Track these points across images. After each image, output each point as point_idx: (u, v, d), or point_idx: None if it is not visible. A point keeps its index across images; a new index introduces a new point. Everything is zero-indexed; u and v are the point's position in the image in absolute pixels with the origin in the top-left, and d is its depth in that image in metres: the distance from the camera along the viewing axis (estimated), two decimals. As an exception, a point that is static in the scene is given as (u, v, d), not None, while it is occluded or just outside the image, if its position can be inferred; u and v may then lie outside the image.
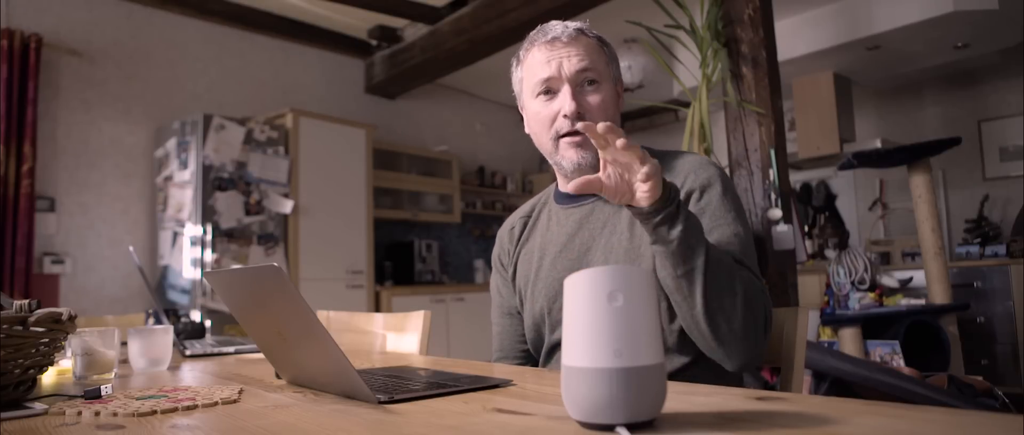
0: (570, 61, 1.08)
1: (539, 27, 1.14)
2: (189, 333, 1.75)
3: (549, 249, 1.18)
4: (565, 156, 1.10)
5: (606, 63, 1.13)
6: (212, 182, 3.71)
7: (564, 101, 1.07)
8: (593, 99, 1.09)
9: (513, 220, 1.31)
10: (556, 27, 1.11)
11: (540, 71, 1.09)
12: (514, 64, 1.19)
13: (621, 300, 0.57)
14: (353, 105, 5.13)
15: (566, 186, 1.19)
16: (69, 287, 3.63)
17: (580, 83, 1.09)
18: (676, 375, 1.02)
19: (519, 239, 1.27)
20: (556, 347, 1.16)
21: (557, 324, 1.14)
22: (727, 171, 2.89)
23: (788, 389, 1.09)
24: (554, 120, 1.10)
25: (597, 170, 1.04)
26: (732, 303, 0.93)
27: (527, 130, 1.19)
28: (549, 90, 1.10)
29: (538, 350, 1.21)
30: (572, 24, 1.12)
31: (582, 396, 0.58)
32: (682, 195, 1.05)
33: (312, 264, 4.15)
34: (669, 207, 0.89)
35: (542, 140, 1.13)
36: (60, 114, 3.67)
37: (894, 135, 5.07)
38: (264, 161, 3.95)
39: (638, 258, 1.06)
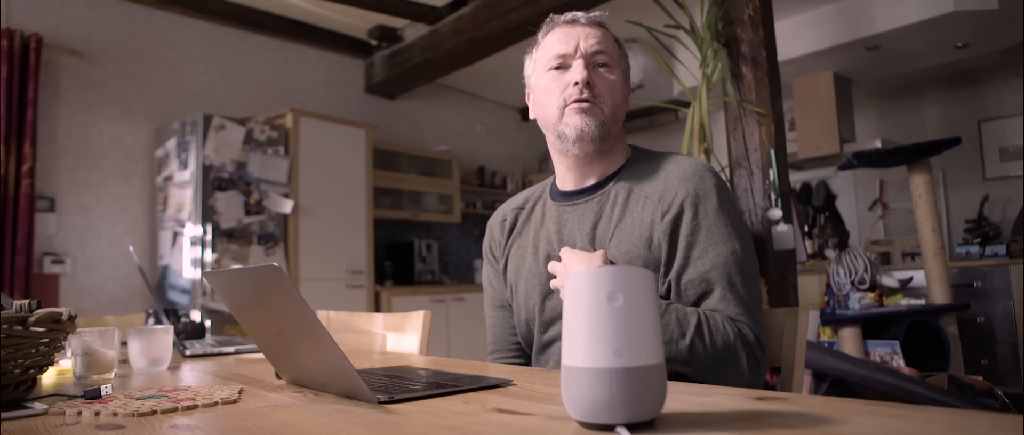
0: (587, 41, 1.11)
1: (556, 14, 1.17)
2: (189, 333, 1.75)
3: (541, 246, 1.18)
4: (569, 123, 1.10)
5: (619, 57, 1.15)
6: (212, 182, 3.71)
7: (576, 71, 1.09)
8: (605, 79, 1.11)
9: (505, 211, 1.30)
10: (576, 13, 1.15)
11: (556, 47, 1.12)
12: (528, 54, 1.21)
13: (621, 300, 0.57)
14: (353, 105, 5.13)
15: (564, 181, 1.19)
16: (69, 287, 3.63)
17: (593, 63, 1.11)
18: (676, 375, 1.02)
19: (510, 232, 1.27)
20: (546, 346, 1.15)
21: (547, 324, 1.14)
22: (727, 171, 2.89)
23: (788, 389, 1.09)
24: (564, 90, 1.11)
25: (599, 140, 1.10)
26: (700, 367, 0.97)
27: (532, 115, 1.20)
28: (562, 65, 1.12)
29: (530, 346, 1.21)
30: (594, 15, 1.15)
31: (582, 396, 0.58)
32: (673, 210, 1.05)
33: (312, 264, 4.15)
34: None
35: (549, 111, 1.13)
36: (60, 114, 3.67)
37: (894, 135, 5.07)
38: (264, 161, 3.95)
39: (625, 263, 1.06)
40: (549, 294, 1.13)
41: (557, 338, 1.13)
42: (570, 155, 1.13)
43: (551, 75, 1.13)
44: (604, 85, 1.10)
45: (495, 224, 1.31)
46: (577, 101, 1.09)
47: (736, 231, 1.05)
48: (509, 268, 1.24)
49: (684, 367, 0.97)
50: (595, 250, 1.08)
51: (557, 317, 1.13)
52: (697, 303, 1.02)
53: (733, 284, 1.01)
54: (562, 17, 1.15)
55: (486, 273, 1.32)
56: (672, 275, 1.03)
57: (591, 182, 1.16)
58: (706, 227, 1.03)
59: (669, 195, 1.06)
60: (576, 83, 1.09)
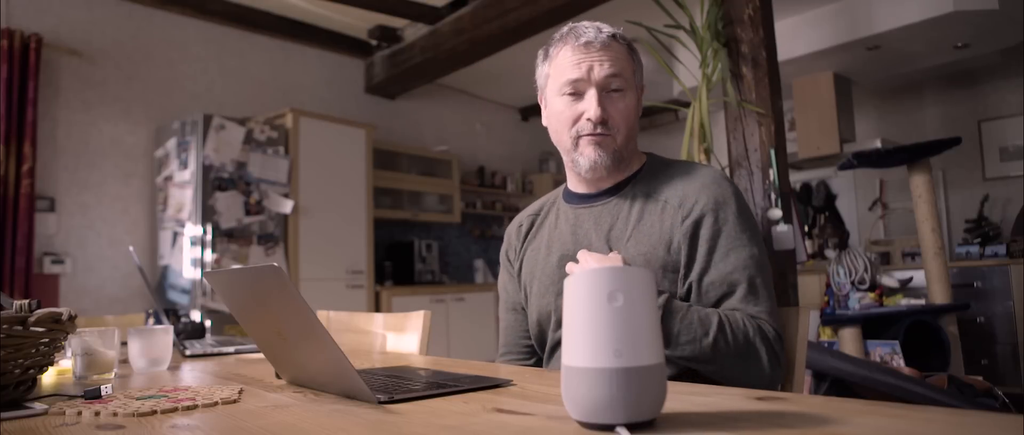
0: (602, 66, 1.10)
1: (571, 26, 1.16)
2: (189, 333, 1.75)
3: (555, 246, 1.20)
4: (583, 154, 1.13)
5: (633, 71, 1.16)
6: (212, 182, 3.71)
7: (590, 105, 1.10)
8: (618, 106, 1.12)
9: (522, 218, 1.34)
10: (589, 30, 1.13)
11: (569, 71, 1.12)
12: (540, 58, 1.21)
13: (621, 300, 0.57)
14: (353, 105, 5.13)
15: (577, 185, 1.22)
16: (69, 287, 3.63)
17: (607, 89, 1.11)
18: (676, 375, 1.02)
19: (526, 236, 1.30)
20: (559, 344, 1.16)
21: (561, 322, 1.14)
22: (727, 171, 2.89)
23: (788, 389, 1.10)
24: (577, 120, 1.12)
25: (612, 170, 1.14)
26: (723, 364, 0.99)
27: (545, 123, 1.21)
28: (576, 92, 1.12)
29: (542, 346, 1.23)
30: (606, 29, 1.14)
31: (582, 396, 0.58)
32: (694, 214, 1.07)
33: (312, 264, 4.15)
34: None
35: (562, 137, 1.16)
36: (60, 114, 3.67)
37: (894, 135, 5.07)
38: (264, 161, 3.95)
39: (643, 264, 1.07)
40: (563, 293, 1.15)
41: None
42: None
43: (564, 100, 1.13)
44: (618, 113, 1.12)
45: (512, 230, 1.34)
46: (591, 134, 1.11)
47: (754, 236, 1.09)
48: (524, 271, 1.27)
49: (708, 365, 0.99)
50: (611, 251, 1.10)
51: None
52: (718, 304, 1.05)
53: (753, 284, 1.04)
54: (575, 37, 1.13)
55: (502, 279, 1.35)
56: (693, 277, 1.07)
57: (606, 187, 1.18)
58: (727, 231, 1.07)
59: (690, 201, 1.09)
60: (589, 119, 1.10)
